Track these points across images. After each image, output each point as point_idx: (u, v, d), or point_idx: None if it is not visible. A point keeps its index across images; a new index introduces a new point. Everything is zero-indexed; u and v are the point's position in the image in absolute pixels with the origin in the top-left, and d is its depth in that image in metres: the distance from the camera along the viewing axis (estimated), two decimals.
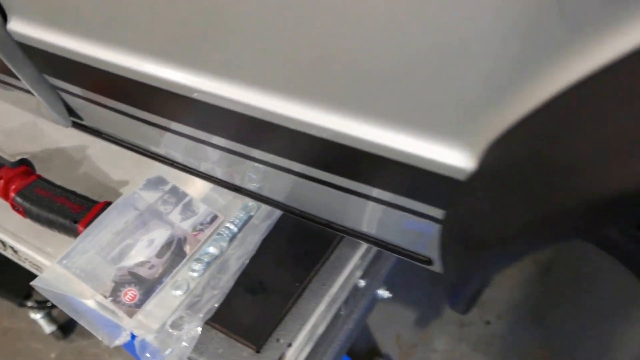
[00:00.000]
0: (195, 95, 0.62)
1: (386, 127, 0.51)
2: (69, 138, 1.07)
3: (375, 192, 0.61)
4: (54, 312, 1.59)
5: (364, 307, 0.91)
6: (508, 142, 0.43)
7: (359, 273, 0.89)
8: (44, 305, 1.54)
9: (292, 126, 0.57)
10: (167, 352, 0.78)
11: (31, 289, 1.39)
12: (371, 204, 0.63)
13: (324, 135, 0.56)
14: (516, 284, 1.49)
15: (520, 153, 0.42)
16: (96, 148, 1.06)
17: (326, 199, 0.69)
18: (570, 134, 0.37)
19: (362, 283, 0.89)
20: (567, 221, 0.37)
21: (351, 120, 0.53)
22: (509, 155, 0.43)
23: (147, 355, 0.79)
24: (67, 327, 1.61)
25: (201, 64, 0.60)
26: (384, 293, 0.96)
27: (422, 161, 0.51)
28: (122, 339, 0.81)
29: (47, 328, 1.56)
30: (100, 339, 0.80)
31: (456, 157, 0.49)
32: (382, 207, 0.62)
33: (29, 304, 1.54)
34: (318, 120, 0.55)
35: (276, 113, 0.57)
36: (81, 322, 0.83)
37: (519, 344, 1.40)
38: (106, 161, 1.04)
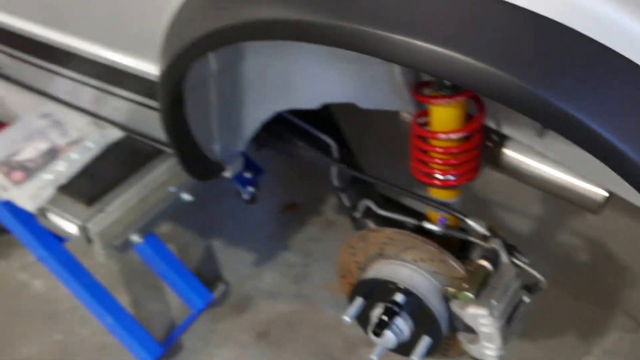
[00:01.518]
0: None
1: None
2: None
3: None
4: None
5: (171, 202, 1.45)
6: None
7: (165, 177, 1.42)
8: None
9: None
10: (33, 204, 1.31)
11: None
12: None
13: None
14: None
15: None
16: (12, 93, 1.59)
17: None
18: None
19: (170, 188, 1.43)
20: None
21: None
22: None
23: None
24: None
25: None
26: (187, 196, 1.49)
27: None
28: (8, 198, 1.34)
29: None
30: None
31: None
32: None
33: None
34: None
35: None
36: None
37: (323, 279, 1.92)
38: (14, 101, 1.57)
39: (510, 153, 1.16)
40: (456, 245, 1.18)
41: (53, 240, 1.65)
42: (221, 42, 0.81)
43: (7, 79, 1.54)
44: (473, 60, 0.66)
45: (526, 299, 1.13)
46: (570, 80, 0.67)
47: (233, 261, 2.00)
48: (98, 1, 1.05)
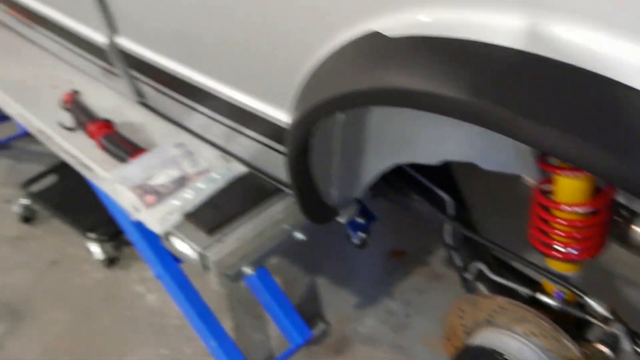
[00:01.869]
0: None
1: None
2: (136, 115, 1.75)
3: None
4: (107, 246, 2.24)
5: (283, 239, 1.49)
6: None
7: (282, 216, 1.47)
8: (99, 238, 2.20)
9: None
10: (161, 228, 1.41)
11: (95, 223, 2.07)
12: None
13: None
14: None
15: None
16: (153, 122, 1.73)
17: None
18: None
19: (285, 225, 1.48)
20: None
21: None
22: None
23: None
24: (112, 259, 2.25)
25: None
26: (299, 235, 1.53)
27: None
28: (139, 218, 1.45)
29: (99, 256, 2.22)
30: (129, 211, 1.44)
31: None
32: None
33: (90, 235, 2.20)
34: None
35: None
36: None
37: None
38: (154, 129, 1.70)
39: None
40: (572, 322, 1.13)
41: (171, 261, 1.76)
42: (359, 103, 0.85)
43: (151, 109, 1.67)
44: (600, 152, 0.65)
45: None
46: None
47: (335, 301, 2.02)
48: (242, 51, 1.13)
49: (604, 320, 1.04)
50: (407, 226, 2.24)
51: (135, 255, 2.25)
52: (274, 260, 2.17)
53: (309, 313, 1.95)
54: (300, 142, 1.03)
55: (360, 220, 1.71)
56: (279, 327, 1.88)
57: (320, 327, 1.89)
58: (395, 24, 0.82)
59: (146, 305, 2.09)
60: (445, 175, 1.45)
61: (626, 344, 1.01)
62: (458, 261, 1.31)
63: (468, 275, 1.27)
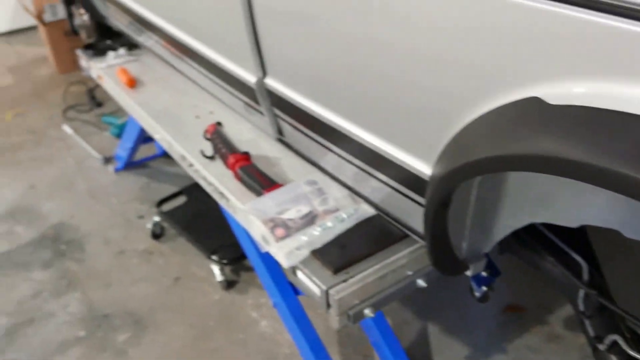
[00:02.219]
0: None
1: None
2: (271, 149, 1.84)
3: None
4: (227, 269, 2.35)
5: (405, 285, 1.50)
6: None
7: (406, 261, 1.49)
8: (222, 260, 2.31)
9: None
10: (289, 262, 1.46)
11: (218, 246, 2.18)
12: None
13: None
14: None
15: None
16: (286, 157, 1.81)
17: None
18: None
19: (408, 271, 1.49)
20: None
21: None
22: None
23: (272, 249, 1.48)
24: (231, 282, 2.36)
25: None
26: (421, 282, 1.54)
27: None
28: (268, 250, 1.52)
29: (219, 277, 2.33)
30: (258, 241, 1.51)
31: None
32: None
33: (213, 257, 2.32)
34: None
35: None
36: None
37: None
38: (288, 164, 1.78)
39: None
40: None
41: (290, 291, 1.81)
42: (513, 167, 0.85)
43: (286, 144, 1.76)
44: None
45: None
46: None
47: (445, 349, 1.99)
48: (393, 102, 1.16)
49: None
50: (527, 281, 2.18)
51: (252, 281, 2.34)
52: None
53: (418, 358, 1.94)
54: (443, 197, 1.04)
55: (484, 274, 1.68)
56: None
57: None
58: (558, 92, 0.82)
59: (259, 331, 2.16)
60: (580, 237, 1.40)
61: None
62: (591, 330, 1.26)
63: (601, 346, 1.22)
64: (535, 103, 0.85)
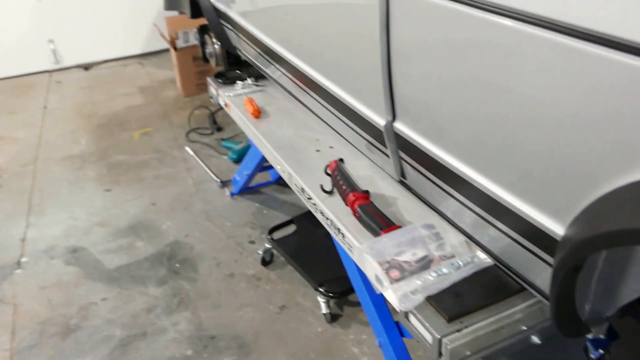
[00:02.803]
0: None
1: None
2: (389, 189, 1.86)
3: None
4: (331, 302, 2.38)
5: (519, 340, 1.46)
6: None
7: (521, 316, 1.45)
8: (328, 293, 2.34)
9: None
10: (403, 306, 1.47)
11: (325, 279, 2.21)
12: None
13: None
14: None
15: None
16: (403, 198, 1.82)
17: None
18: None
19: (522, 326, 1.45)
20: None
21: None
22: None
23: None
24: (334, 316, 2.38)
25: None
26: (536, 339, 1.48)
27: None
28: (382, 292, 1.53)
29: (324, 310, 2.36)
30: (372, 281, 1.53)
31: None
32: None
33: (320, 289, 2.36)
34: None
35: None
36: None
37: None
38: (405, 206, 1.79)
39: None
40: None
41: (396, 332, 1.81)
42: None
43: (405, 185, 1.77)
44: None
45: None
46: None
47: None
48: (531, 160, 1.15)
49: None
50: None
51: (355, 316, 2.36)
52: None
53: None
54: (578, 261, 1.01)
55: (602, 336, 1.60)
56: None
57: None
58: None
59: None
60: None
61: None
62: None
63: None
64: None
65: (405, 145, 1.57)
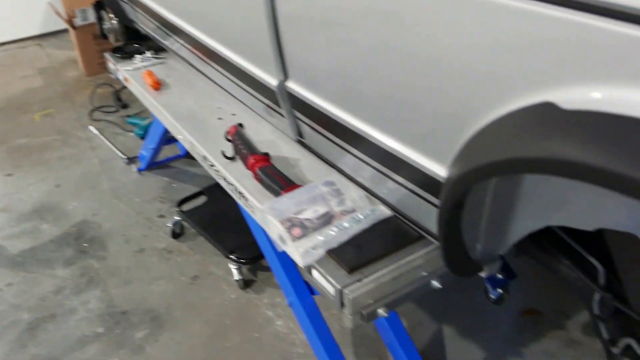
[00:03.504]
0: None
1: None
2: (290, 151, 1.87)
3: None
4: (244, 268, 2.38)
5: (420, 286, 1.51)
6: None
7: (421, 262, 1.50)
8: (240, 260, 2.34)
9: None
10: (305, 261, 1.48)
11: (236, 246, 2.21)
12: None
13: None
14: None
15: None
16: (305, 158, 1.83)
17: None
18: None
19: (423, 272, 1.50)
20: None
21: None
22: None
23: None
24: (247, 281, 2.38)
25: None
26: (436, 283, 1.54)
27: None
28: (285, 249, 1.54)
29: (236, 276, 2.35)
30: (275, 241, 1.54)
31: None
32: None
33: (231, 256, 2.35)
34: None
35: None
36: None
37: None
38: (307, 166, 1.81)
39: None
40: None
41: (306, 291, 1.83)
42: (523, 170, 0.87)
43: (305, 146, 1.78)
44: None
45: None
46: None
47: (460, 352, 2.00)
48: (411, 106, 1.18)
49: None
50: (544, 285, 2.17)
51: (268, 280, 2.37)
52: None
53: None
54: (457, 199, 1.06)
55: (500, 277, 1.69)
56: None
57: None
58: (572, 97, 0.83)
59: (274, 330, 2.18)
60: (597, 241, 1.40)
61: None
62: (605, 333, 1.26)
63: (615, 350, 1.22)
64: (548, 108, 0.86)
65: (299, 104, 1.58)
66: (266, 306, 2.30)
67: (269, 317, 2.25)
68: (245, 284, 2.38)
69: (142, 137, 3.41)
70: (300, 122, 1.67)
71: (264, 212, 1.61)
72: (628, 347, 1.19)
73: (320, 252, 1.50)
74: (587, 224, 1.20)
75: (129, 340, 2.17)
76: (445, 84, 1.07)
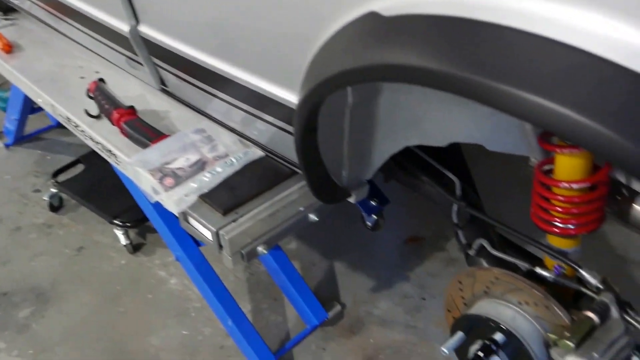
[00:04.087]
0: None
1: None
2: (159, 103, 1.82)
3: None
4: (131, 232, 2.32)
5: (297, 220, 1.54)
6: None
7: (296, 197, 1.52)
8: (125, 224, 2.28)
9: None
10: (179, 208, 1.47)
11: (120, 210, 2.14)
12: None
13: None
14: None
15: None
16: (175, 110, 1.80)
17: None
18: None
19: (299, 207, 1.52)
20: None
21: None
22: None
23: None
24: (135, 245, 2.33)
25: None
26: (313, 217, 1.58)
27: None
28: (158, 200, 1.51)
29: (123, 241, 2.30)
30: (149, 194, 1.51)
31: None
32: None
33: (116, 221, 2.28)
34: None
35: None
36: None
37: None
38: (177, 116, 1.77)
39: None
40: (571, 294, 1.16)
41: (191, 244, 1.82)
42: (354, 81, 0.89)
43: (173, 96, 1.74)
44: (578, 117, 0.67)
45: (635, 358, 1.09)
46: None
47: (351, 285, 2.07)
48: (253, 35, 1.18)
49: (597, 290, 1.08)
50: (425, 212, 2.28)
51: (158, 242, 2.33)
52: (293, 245, 2.23)
53: (325, 296, 2.00)
54: (306, 120, 1.07)
55: (373, 203, 1.76)
56: (296, 309, 1.93)
57: (335, 309, 1.94)
58: (391, 4, 0.86)
59: (168, 289, 2.16)
60: (456, 158, 1.48)
61: (614, 312, 1.04)
62: (463, 239, 1.34)
63: (471, 252, 1.31)
64: (372, 17, 0.89)
65: (155, 50, 1.54)
66: (158, 267, 2.26)
67: (162, 277, 2.22)
68: (135, 248, 2.33)
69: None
70: (160, 70, 1.63)
71: (133, 165, 1.57)
72: (481, 248, 1.29)
73: (193, 198, 1.49)
74: (441, 140, 1.26)
75: (12, 320, 2.07)
76: (275, 8, 1.08)
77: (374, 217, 1.78)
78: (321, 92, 0.96)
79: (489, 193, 1.49)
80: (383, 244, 2.22)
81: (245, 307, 2.01)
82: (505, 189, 1.95)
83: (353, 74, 0.87)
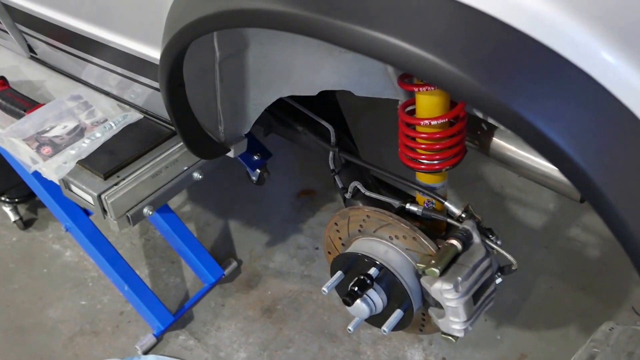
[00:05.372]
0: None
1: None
2: (32, 72, 1.77)
3: None
4: (20, 207, 2.26)
5: (182, 180, 1.56)
6: None
7: (178, 157, 1.54)
8: (13, 200, 2.21)
9: None
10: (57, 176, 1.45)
11: (6, 186, 2.06)
12: None
13: None
14: None
15: None
16: (52, 79, 1.75)
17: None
18: None
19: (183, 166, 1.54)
20: None
21: None
22: None
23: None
24: (27, 221, 2.27)
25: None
26: (197, 175, 1.60)
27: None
28: (37, 170, 1.49)
29: (12, 217, 2.23)
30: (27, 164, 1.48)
31: None
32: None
33: (2, 198, 2.21)
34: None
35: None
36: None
37: None
38: (53, 85, 1.73)
39: (497, 142, 1.21)
40: (444, 228, 1.26)
41: (80, 213, 1.80)
42: (205, 29, 0.92)
43: (45, 64, 1.69)
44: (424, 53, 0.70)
45: (498, 279, 1.20)
46: (521, 82, 0.70)
47: (246, 241, 2.12)
48: None
49: (460, 219, 1.17)
50: (316, 166, 2.34)
51: (51, 215, 2.27)
52: (187, 208, 2.25)
53: (221, 254, 2.05)
54: (169, 75, 1.09)
55: (256, 158, 1.81)
56: (193, 269, 1.97)
57: (232, 266, 1.98)
58: None
59: (63, 261, 2.13)
60: (331, 107, 1.55)
61: (476, 237, 1.14)
62: (340, 183, 1.41)
63: (347, 195, 1.38)
64: None
65: (19, 16, 1.49)
66: (52, 241, 2.22)
67: (57, 250, 2.18)
68: (26, 224, 2.27)
69: None
70: (27, 37, 1.58)
71: (7, 135, 1.54)
72: (357, 190, 1.36)
73: (72, 164, 1.48)
74: (311, 89, 1.32)
75: None
76: None
77: (258, 171, 1.83)
78: (176, 43, 0.98)
79: (374, 141, 1.57)
80: (276, 199, 2.28)
81: (143, 272, 2.02)
82: (387, 136, 2.05)
83: (203, 22, 0.89)
